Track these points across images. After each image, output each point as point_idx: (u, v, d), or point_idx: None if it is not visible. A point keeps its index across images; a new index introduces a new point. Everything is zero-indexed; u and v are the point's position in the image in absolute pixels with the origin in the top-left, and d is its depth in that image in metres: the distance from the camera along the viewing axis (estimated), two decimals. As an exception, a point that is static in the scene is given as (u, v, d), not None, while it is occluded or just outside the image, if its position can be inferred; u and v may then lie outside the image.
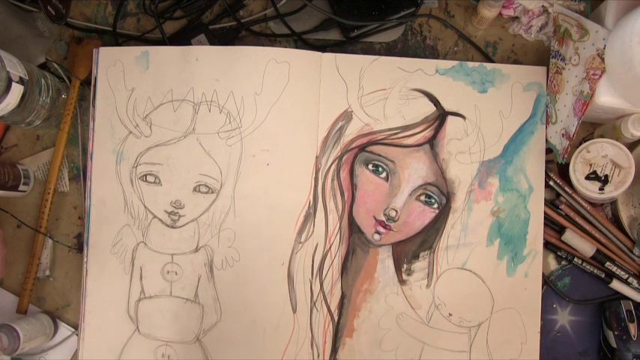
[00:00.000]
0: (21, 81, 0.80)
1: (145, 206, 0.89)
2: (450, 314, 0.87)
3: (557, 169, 0.90)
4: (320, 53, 0.89)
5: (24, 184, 0.90)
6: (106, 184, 0.89)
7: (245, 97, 0.88)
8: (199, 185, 0.88)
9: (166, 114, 0.89)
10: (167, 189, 0.88)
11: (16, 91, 0.79)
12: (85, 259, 0.89)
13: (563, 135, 0.83)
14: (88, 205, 0.89)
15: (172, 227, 0.88)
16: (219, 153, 0.88)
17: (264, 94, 0.88)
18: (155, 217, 0.88)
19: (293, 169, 0.88)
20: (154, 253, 0.88)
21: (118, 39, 0.94)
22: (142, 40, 0.95)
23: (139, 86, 0.89)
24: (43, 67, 0.93)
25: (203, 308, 0.87)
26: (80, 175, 0.93)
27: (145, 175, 0.89)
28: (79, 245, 0.92)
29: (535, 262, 0.87)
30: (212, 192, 0.88)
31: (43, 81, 0.86)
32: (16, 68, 0.79)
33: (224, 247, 0.88)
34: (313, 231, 0.88)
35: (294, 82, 0.88)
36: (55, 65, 0.93)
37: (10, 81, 0.78)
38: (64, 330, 0.91)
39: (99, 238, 0.89)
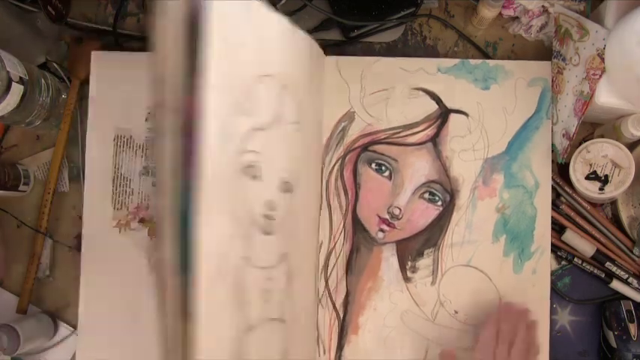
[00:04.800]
0: (21, 81, 0.80)
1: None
2: (456, 311, 0.86)
3: (557, 169, 0.90)
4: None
5: (24, 184, 0.90)
6: (106, 184, 0.89)
7: (246, 97, 0.88)
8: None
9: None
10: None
11: (16, 91, 0.79)
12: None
13: (563, 135, 0.83)
14: (88, 205, 0.89)
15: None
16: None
17: (264, 94, 0.88)
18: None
19: (295, 168, 0.88)
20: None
21: (118, 39, 0.94)
22: (142, 40, 0.94)
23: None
24: (43, 67, 0.93)
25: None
26: (80, 175, 0.93)
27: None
28: (79, 245, 0.92)
29: (543, 258, 0.86)
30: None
31: (43, 81, 0.86)
32: (16, 68, 0.79)
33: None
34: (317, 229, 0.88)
35: (295, 82, 0.88)
36: (55, 65, 0.92)
37: (10, 81, 0.77)
38: (64, 330, 0.90)
39: (99, 239, 0.89)
